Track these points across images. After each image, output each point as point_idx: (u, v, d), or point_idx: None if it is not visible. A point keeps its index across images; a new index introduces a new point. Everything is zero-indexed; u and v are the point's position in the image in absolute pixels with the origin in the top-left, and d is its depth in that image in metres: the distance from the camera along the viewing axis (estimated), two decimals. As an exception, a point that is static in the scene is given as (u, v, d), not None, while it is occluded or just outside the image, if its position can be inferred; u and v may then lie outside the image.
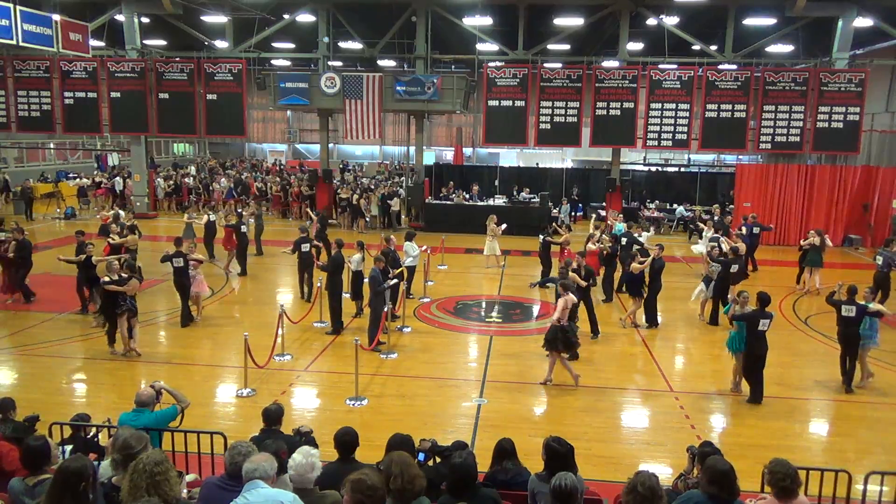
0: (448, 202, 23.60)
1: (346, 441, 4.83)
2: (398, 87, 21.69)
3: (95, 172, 31.57)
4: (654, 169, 29.89)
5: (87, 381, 9.65)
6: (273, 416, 5.58)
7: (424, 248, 14.44)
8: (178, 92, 22.81)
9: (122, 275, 10.24)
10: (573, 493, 3.89)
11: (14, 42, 18.64)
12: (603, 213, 18.09)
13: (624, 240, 14.52)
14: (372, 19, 25.46)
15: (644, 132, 21.74)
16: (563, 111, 21.85)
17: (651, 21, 22.77)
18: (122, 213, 17.08)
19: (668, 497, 3.94)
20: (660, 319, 12.44)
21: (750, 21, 22.59)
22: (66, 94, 23.03)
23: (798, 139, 21.19)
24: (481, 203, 23.53)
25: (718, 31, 23.96)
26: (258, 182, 28.33)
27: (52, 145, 32.89)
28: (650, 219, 24.05)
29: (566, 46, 26.76)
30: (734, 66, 22.50)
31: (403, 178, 28.31)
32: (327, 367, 10.14)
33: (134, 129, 23.59)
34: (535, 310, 13.72)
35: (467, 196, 23.78)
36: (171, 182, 27.49)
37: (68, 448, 5.46)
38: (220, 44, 25.54)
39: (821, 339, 11.78)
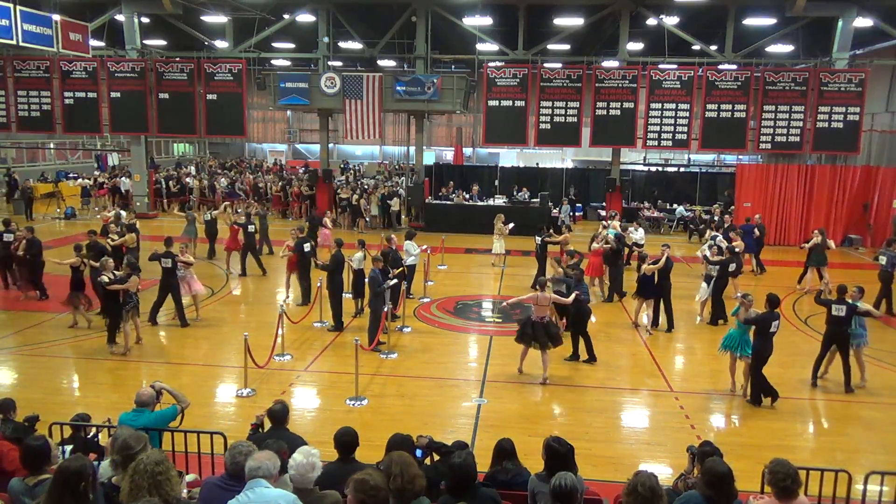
0: (448, 202, 23.60)
1: (346, 441, 4.83)
2: (398, 87, 21.69)
3: (96, 173, 31.58)
4: (654, 169, 29.90)
5: (87, 381, 9.64)
6: (278, 415, 5.59)
7: (424, 247, 14.44)
8: (178, 92, 22.81)
9: (116, 273, 10.38)
10: (573, 493, 3.89)
11: (14, 42, 18.66)
12: (603, 213, 18.07)
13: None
14: (372, 19, 25.46)
15: (644, 132, 21.74)
16: (563, 111, 21.86)
17: (651, 21, 22.77)
18: (123, 213, 17.12)
19: (668, 497, 3.94)
20: (661, 320, 12.41)
21: (750, 21, 22.60)
22: (66, 94, 23.04)
23: (798, 139, 21.19)
24: (481, 203, 23.54)
25: (718, 31, 23.96)
26: (258, 182, 28.34)
27: (52, 145, 32.90)
28: (650, 219, 24.09)
29: (566, 46, 26.76)
30: (734, 66, 22.50)
31: (403, 178, 28.30)
32: (327, 367, 10.14)
33: (134, 129, 23.60)
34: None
35: (467, 196, 23.78)
36: (176, 182, 27.53)
37: (68, 448, 5.46)
38: (220, 44, 25.55)
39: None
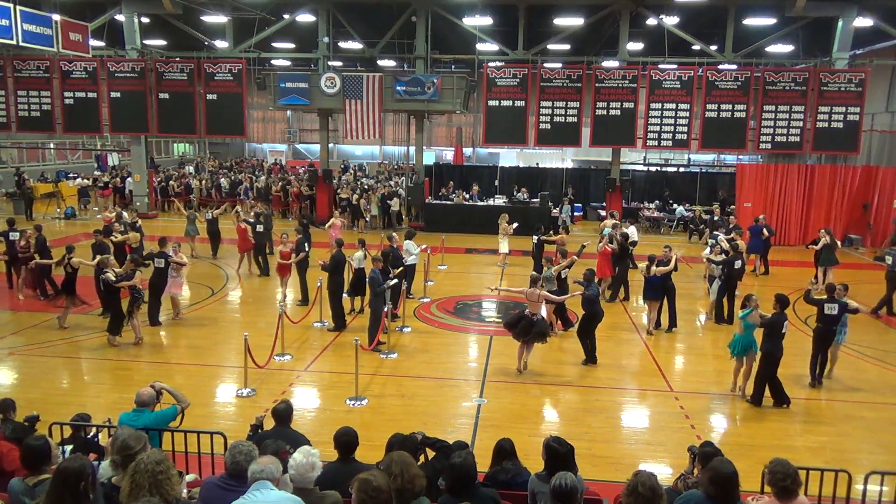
0: (448, 202, 23.61)
1: (346, 441, 4.82)
2: (398, 87, 21.69)
3: (97, 173, 31.60)
4: (653, 169, 29.91)
5: (87, 381, 9.65)
6: (282, 414, 5.60)
7: (424, 247, 14.44)
8: (178, 92, 22.81)
9: (117, 270, 10.49)
10: (573, 493, 3.89)
11: (14, 42, 18.65)
12: (602, 213, 18.06)
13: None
14: (372, 19, 25.45)
15: (644, 132, 21.75)
16: (563, 111, 21.86)
17: (651, 21, 22.77)
18: (124, 213, 17.14)
19: (668, 497, 3.94)
20: (661, 320, 12.41)
21: (750, 21, 22.59)
22: (66, 94, 23.04)
23: (798, 139, 21.19)
24: (481, 203, 23.55)
25: (718, 31, 23.96)
26: (258, 182, 28.35)
27: (52, 145, 32.90)
28: (650, 219, 24.09)
29: (566, 46, 26.76)
30: (734, 66, 22.50)
31: (403, 178, 28.31)
32: (327, 367, 10.14)
33: (134, 129, 23.60)
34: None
35: (467, 196, 23.78)
36: (180, 182, 27.55)
37: (68, 448, 5.45)
38: (220, 44, 25.54)
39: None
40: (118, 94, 22.95)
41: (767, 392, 8.86)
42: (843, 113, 20.81)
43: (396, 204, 23.51)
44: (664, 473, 6.71)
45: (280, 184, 26.71)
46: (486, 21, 23.20)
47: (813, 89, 20.79)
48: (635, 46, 25.33)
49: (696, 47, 22.63)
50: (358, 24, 25.21)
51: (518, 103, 21.97)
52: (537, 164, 33.24)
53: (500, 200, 23.91)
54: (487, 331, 12.18)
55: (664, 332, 12.10)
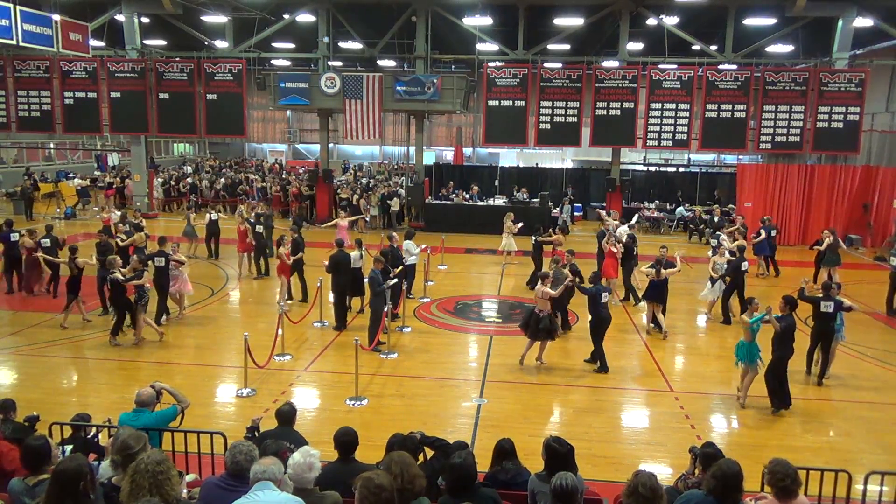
0: (448, 202, 23.61)
1: (346, 441, 4.83)
2: (398, 87, 21.69)
3: (97, 173, 31.61)
4: (653, 169, 29.91)
5: (87, 381, 9.65)
6: (286, 416, 5.62)
7: (424, 247, 14.44)
8: (178, 92, 22.81)
9: (122, 271, 10.53)
10: (574, 493, 3.89)
11: (14, 42, 18.64)
12: (602, 213, 18.04)
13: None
14: (372, 19, 25.46)
15: (644, 132, 21.75)
16: (563, 111, 21.87)
17: (651, 21, 22.77)
18: (118, 213, 17.16)
19: (668, 496, 3.94)
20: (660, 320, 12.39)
21: (750, 21, 22.59)
22: (66, 94, 23.05)
23: (798, 139, 21.20)
24: (481, 203, 23.55)
25: (718, 31, 23.96)
26: (259, 182, 28.40)
27: (52, 145, 32.90)
28: (650, 219, 24.08)
29: (566, 46, 26.75)
30: (734, 66, 22.51)
31: (403, 178, 28.31)
32: (327, 367, 10.14)
33: (134, 129, 23.61)
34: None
35: (467, 196, 23.79)
36: (186, 182, 27.61)
37: (68, 448, 5.45)
38: (220, 44, 25.54)
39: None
40: (118, 94, 22.95)
41: (765, 392, 8.78)
42: (843, 113, 20.81)
43: (396, 204, 23.52)
44: (664, 473, 6.71)
45: (280, 184, 26.70)
46: (486, 21, 23.20)
47: (813, 89, 20.79)
48: (635, 46, 25.33)
49: (696, 47, 22.64)
50: (358, 24, 25.22)
51: (518, 103, 21.97)
52: (536, 164, 33.23)
53: (500, 200, 23.92)
54: (487, 331, 12.18)
55: (661, 337, 11.95)
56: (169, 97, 22.87)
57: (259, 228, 15.59)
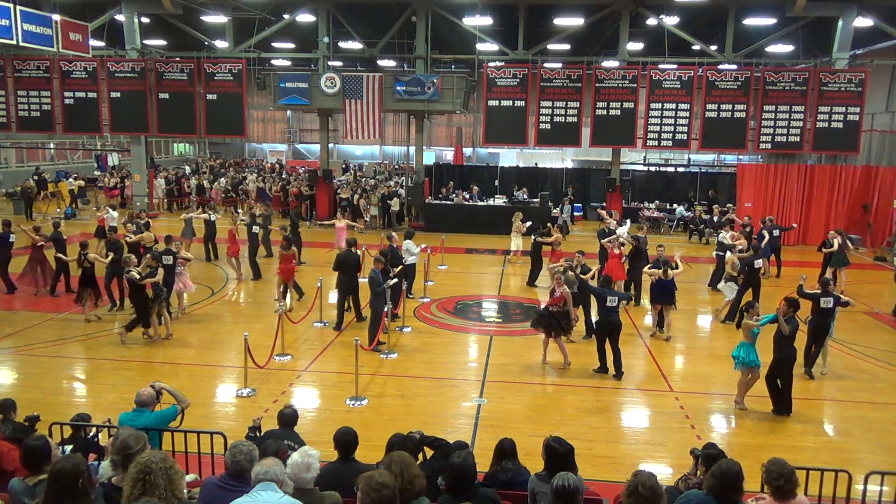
0: (448, 202, 23.60)
1: (346, 441, 4.83)
2: (398, 87, 21.69)
3: (98, 173, 31.60)
4: (654, 169, 29.90)
5: (87, 381, 9.65)
6: (288, 419, 5.63)
7: (424, 247, 14.43)
8: (178, 92, 22.81)
9: (136, 270, 10.64)
10: (575, 493, 3.88)
11: (14, 42, 18.63)
12: (602, 213, 18.04)
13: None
14: (372, 19, 25.46)
15: (644, 132, 21.75)
16: (563, 111, 21.87)
17: (651, 21, 22.77)
18: (115, 213, 17.22)
19: (668, 496, 3.94)
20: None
21: (750, 21, 22.59)
22: (66, 94, 23.05)
23: (798, 139, 21.20)
24: (481, 203, 23.55)
25: (718, 31, 23.96)
26: (258, 182, 28.37)
27: (52, 145, 32.90)
28: (650, 219, 24.07)
29: (566, 46, 26.76)
30: (734, 66, 22.51)
31: (403, 178, 28.31)
32: (327, 367, 10.14)
33: (134, 129, 23.61)
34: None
35: (467, 196, 23.79)
36: (189, 182, 27.61)
37: (68, 448, 5.45)
38: (220, 44, 25.54)
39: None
40: (118, 94, 22.95)
41: (764, 392, 8.74)
42: (842, 113, 20.81)
43: (396, 204, 23.51)
44: (664, 473, 6.70)
45: (280, 184, 26.70)
46: (486, 21, 23.19)
47: (813, 89, 20.79)
48: (635, 46, 25.33)
49: (696, 47, 22.63)
50: (358, 24, 25.22)
51: (518, 103, 21.97)
52: (535, 164, 33.23)
53: (500, 200, 23.91)
54: (487, 331, 12.17)
55: (664, 339, 11.91)
56: (169, 97, 22.87)
57: (255, 229, 15.57)
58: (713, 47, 23.20)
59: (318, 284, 12.02)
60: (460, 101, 22.08)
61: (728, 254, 13.44)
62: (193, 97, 22.83)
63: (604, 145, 22.87)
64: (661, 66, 21.86)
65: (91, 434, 6.00)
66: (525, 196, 23.25)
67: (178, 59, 23.81)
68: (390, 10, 23.21)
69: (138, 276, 10.52)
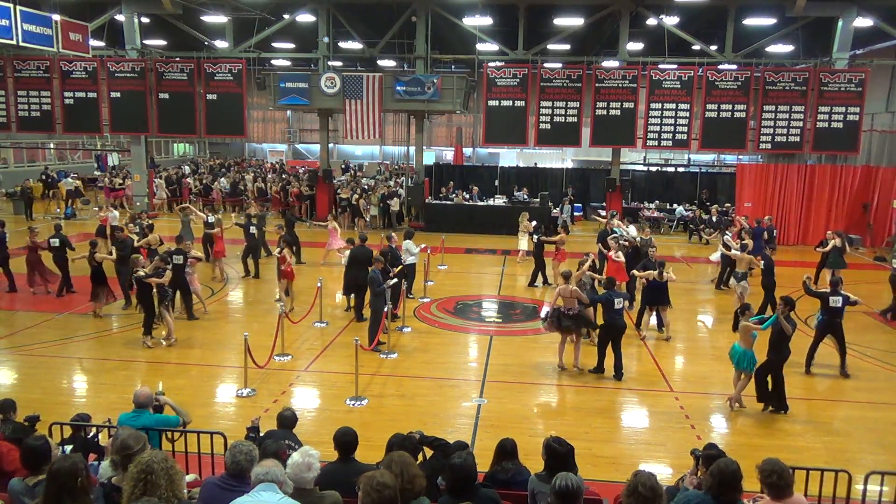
0: (448, 202, 23.60)
1: (346, 441, 4.83)
2: (398, 87, 21.69)
3: (98, 173, 31.59)
4: (654, 169, 29.90)
5: (87, 381, 9.66)
6: (287, 421, 5.64)
7: (424, 246, 14.44)
8: (178, 92, 22.80)
9: (145, 269, 10.67)
10: (577, 493, 3.88)
11: (14, 42, 18.64)
12: (602, 213, 18.03)
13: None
14: (372, 19, 25.46)
15: (644, 132, 21.75)
16: (563, 111, 21.86)
17: (651, 21, 22.77)
18: (117, 213, 17.19)
19: (668, 496, 3.94)
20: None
21: (750, 21, 22.59)
22: (66, 94, 23.03)
23: (798, 139, 21.20)
24: (481, 203, 23.55)
25: (718, 31, 23.95)
26: (258, 182, 28.38)
27: (52, 145, 32.90)
28: (650, 219, 24.07)
29: (566, 46, 26.76)
30: (734, 66, 22.50)
31: (403, 178, 28.30)
32: (327, 367, 10.14)
33: (134, 129, 23.59)
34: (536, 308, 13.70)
35: (467, 196, 23.79)
36: (193, 182, 27.61)
37: (68, 448, 5.46)
38: (220, 44, 25.54)
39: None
40: (118, 94, 22.94)
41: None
42: (842, 113, 20.81)
43: (396, 204, 23.51)
44: (664, 473, 6.71)
45: (280, 184, 26.69)
46: (486, 21, 23.19)
47: (813, 89, 20.79)
48: (635, 46, 25.33)
49: (696, 47, 22.63)
50: (358, 24, 25.22)
51: (518, 103, 21.97)
52: (535, 164, 33.22)
53: (500, 200, 23.91)
54: (487, 331, 12.17)
55: (665, 339, 11.91)
56: (169, 97, 22.86)
57: (252, 229, 15.61)
58: (713, 47, 23.20)
59: (318, 284, 12.02)
60: (460, 101, 22.08)
61: (734, 251, 13.43)
62: (193, 97, 22.82)
63: (604, 145, 22.86)
64: (661, 66, 21.85)
65: (91, 434, 6.00)
66: (525, 196, 23.24)
67: (178, 59, 23.80)
68: (390, 10, 23.21)
69: (143, 274, 10.52)
